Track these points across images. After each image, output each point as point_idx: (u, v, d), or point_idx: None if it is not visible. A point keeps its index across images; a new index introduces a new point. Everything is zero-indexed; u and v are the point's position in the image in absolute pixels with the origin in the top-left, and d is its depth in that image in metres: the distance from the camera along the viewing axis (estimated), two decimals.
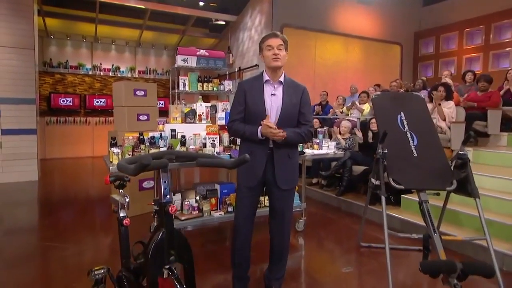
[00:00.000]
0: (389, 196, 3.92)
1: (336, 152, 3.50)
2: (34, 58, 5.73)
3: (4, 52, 5.45)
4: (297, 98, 2.04)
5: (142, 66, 9.60)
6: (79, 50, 8.93)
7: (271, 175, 2.02)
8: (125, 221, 1.51)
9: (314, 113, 6.82)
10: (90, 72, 8.96)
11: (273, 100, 2.02)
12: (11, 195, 5.01)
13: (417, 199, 2.34)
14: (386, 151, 2.43)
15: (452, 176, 2.43)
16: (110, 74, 9.24)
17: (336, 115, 6.26)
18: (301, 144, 3.40)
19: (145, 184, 4.00)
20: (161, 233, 1.25)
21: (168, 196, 1.32)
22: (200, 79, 4.26)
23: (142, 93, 4.07)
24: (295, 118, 2.06)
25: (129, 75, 9.52)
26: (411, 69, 9.23)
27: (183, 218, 2.86)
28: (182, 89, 4.11)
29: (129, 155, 2.62)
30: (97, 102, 9.09)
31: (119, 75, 9.35)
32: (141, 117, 4.05)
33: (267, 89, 2.03)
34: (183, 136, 2.87)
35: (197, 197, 3.10)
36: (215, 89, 4.34)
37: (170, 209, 1.28)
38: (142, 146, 2.71)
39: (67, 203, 4.58)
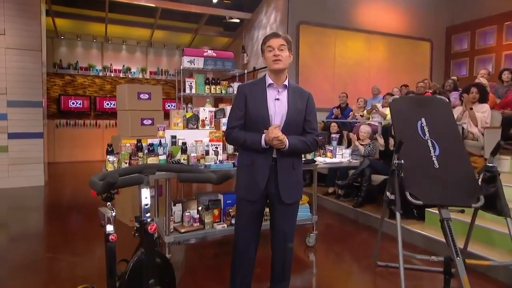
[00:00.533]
0: (411, 209, 3.76)
1: (351, 160, 3.39)
2: (41, 60, 5.93)
3: (11, 54, 5.67)
4: (302, 104, 1.99)
5: (153, 66, 9.77)
6: (90, 50, 9.20)
7: (274, 188, 1.96)
8: (111, 237, 1.49)
9: (333, 117, 6.70)
10: (101, 73, 9.20)
11: (277, 105, 1.96)
12: (17, 201, 5.18)
13: None
14: (402, 161, 2.32)
15: (479, 191, 2.29)
16: (121, 75, 9.46)
17: (356, 119, 6.11)
18: (313, 152, 3.33)
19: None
20: (140, 254, 1.22)
21: (148, 213, 1.29)
22: (207, 81, 4.26)
23: (147, 96, 4.11)
24: (300, 125, 2.00)
25: (140, 76, 9.71)
26: (442, 68, 8.92)
27: (182, 230, 2.84)
28: (189, 91, 4.12)
29: (126, 163, 2.63)
30: (107, 104, 9.31)
31: (130, 76, 9.55)
32: (145, 122, 4.09)
33: (271, 93, 1.98)
34: (184, 143, 2.85)
35: (200, 208, 3.08)
36: (223, 91, 4.32)
37: (149, 228, 1.24)
38: (140, 154, 2.72)
39: (71, 210, 4.68)
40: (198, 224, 2.93)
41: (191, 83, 4.14)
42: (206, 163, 2.86)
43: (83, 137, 8.95)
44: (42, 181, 6.05)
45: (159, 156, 2.73)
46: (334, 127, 5.86)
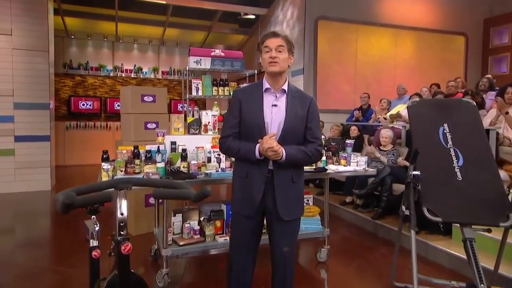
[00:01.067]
0: (438, 223, 3.59)
1: (367, 169, 3.27)
2: (48, 60, 6.10)
3: (18, 54, 5.86)
4: (303, 110, 1.91)
5: (166, 66, 9.90)
6: (100, 50, 9.42)
7: (271, 202, 1.90)
8: (94, 253, 1.48)
9: (353, 119, 6.55)
10: (111, 74, 9.41)
11: (275, 112, 1.90)
12: (22, 206, 5.34)
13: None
14: (419, 173, 2.20)
15: (509, 208, 2.13)
16: (132, 76, 9.64)
17: (379, 122, 5.94)
18: (325, 159, 3.24)
19: (152, 200, 4.03)
20: (113, 276, 1.19)
21: (124, 231, 1.26)
22: (215, 82, 4.23)
23: (151, 99, 4.14)
24: (301, 134, 1.93)
25: (152, 76, 9.86)
26: (479, 65, 8.55)
27: (181, 243, 2.81)
28: (195, 94, 4.11)
29: (121, 171, 2.63)
30: (118, 105, 9.49)
31: (141, 76, 9.72)
32: (149, 126, 4.11)
33: (268, 99, 1.91)
34: (184, 150, 2.83)
35: (202, 218, 3.05)
36: (232, 93, 4.28)
37: (123, 248, 1.21)
38: (137, 161, 2.72)
39: (78, 216, 4.76)
40: (199, 236, 2.90)
41: (197, 84, 4.12)
42: (207, 171, 2.82)
43: (94, 140, 9.15)
44: (49, 186, 6.22)
45: (157, 164, 2.72)
46: (354, 130, 5.72)
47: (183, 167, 2.82)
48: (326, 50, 7.36)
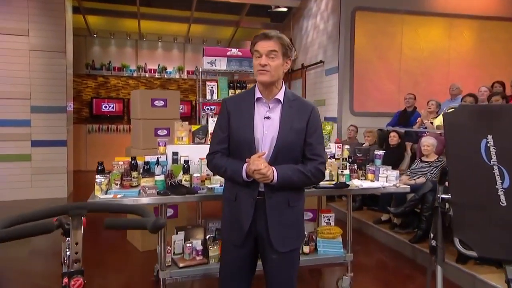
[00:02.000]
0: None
1: (399, 185, 3.05)
2: (65, 62, 6.38)
3: (35, 56, 6.18)
4: (301, 122, 1.80)
5: (191, 65, 10.04)
6: (123, 49, 9.75)
7: (263, 229, 1.79)
8: (65, 280, 1.45)
9: (396, 124, 6.24)
10: (135, 74, 9.70)
11: (267, 125, 1.79)
12: None
13: None
14: (449, 196, 1.99)
15: None
16: (156, 76, 9.88)
17: (424, 127, 5.60)
18: (348, 173, 3.07)
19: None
20: None
21: (78, 264, 1.22)
22: (231, 84, 4.19)
23: (162, 103, 4.17)
24: (298, 151, 1.82)
25: (177, 76, 10.04)
26: None
27: (181, 265, 2.77)
28: (209, 97, 4.09)
29: (117, 185, 2.64)
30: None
31: (165, 76, 9.94)
32: (159, 132, 4.15)
33: (259, 110, 1.82)
34: (186, 161, 2.80)
35: (208, 237, 3.00)
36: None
37: (72, 284, 1.17)
38: (134, 174, 2.72)
39: (93, 227, 4.91)
40: (202, 257, 2.85)
41: (212, 87, 4.10)
42: (210, 185, 2.77)
43: (116, 143, 9.45)
44: (65, 193, 6.48)
45: (156, 177, 2.70)
46: (393, 137, 5.45)
47: (185, 180, 2.78)
48: (365, 44, 7.09)
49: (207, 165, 1.93)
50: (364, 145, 5.92)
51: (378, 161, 3.26)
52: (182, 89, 10.12)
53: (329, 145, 3.16)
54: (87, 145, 9.36)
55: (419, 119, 5.91)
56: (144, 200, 2.54)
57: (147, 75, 9.80)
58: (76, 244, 1.23)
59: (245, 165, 1.75)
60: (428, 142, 4.31)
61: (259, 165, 1.69)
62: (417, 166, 4.62)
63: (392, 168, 5.24)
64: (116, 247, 4.18)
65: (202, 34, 9.78)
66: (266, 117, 1.80)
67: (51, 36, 6.24)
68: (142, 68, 9.72)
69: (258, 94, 1.83)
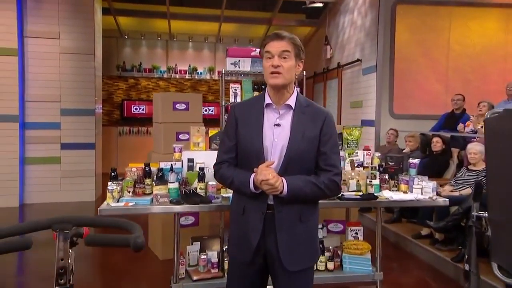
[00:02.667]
0: None
1: (435, 198, 2.87)
2: (94, 64, 6.62)
3: (65, 58, 6.46)
4: (314, 130, 1.75)
5: (222, 65, 10.12)
6: (154, 50, 10.01)
7: (273, 246, 1.74)
8: None
9: (441, 128, 5.94)
10: (165, 75, 9.92)
11: (277, 133, 1.75)
12: None
13: None
14: (486, 214, 1.84)
15: None
16: (187, 77, 10.06)
17: (474, 132, 5.29)
18: (378, 183, 2.93)
19: (183, 221, 4.08)
20: None
21: (63, 280, 1.22)
22: (256, 87, 4.16)
23: (184, 106, 4.21)
24: (311, 161, 1.76)
25: (208, 77, 10.18)
26: None
27: (195, 278, 2.77)
28: (233, 100, 4.07)
29: (129, 192, 2.67)
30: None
31: (196, 77, 10.09)
32: (181, 136, 4.19)
33: (269, 117, 1.78)
34: (202, 169, 2.78)
35: (225, 248, 2.97)
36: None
37: None
38: (147, 181, 2.73)
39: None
40: (217, 270, 2.83)
41: (235, 89, 4.09)
42: (225, 194, 2.73)
43: (146, 146, 9.66)
44: (93, 196, 6.72)
45: (169, 184, 2.71)
46: (437, 143, 5.20)
47: (200, 188, 2.77)
48: (408, 40, 6.83)
49: (214, 176, 1.91)
50: (404, 151, 5.69)
51: (413, 171, 3.09)
52: (212, 90, 10.24)
53: (357, 153, 3.03)
54: (117, 148, 9.66)
55: (468, 122, 5.59)
56: (156, 209, 2.55)
57: (177, 76, 10.00)
58: (62, 260, 1.24)
59: (252, 175, 1.70)
60: (475, 149, 4.06)
61: (267, 175, 1.64)
62: (463, 176, 4.37)
63: (435, 177, 5.03)
64: (136, 255, 4.26)
65: (233, 33, 9.85)
66: (276, 124, 1.76)
67: (80, 38, 6.51)
68: (173, 69, 9.93)
69: (268, 100, 1.79)
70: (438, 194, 4.31)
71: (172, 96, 4.34)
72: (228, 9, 8.60)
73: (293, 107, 1.77)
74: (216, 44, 10.17)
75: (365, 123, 6.94)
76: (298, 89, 4.11)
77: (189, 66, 10.03)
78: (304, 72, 4.17)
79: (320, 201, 2.65)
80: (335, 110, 8.23)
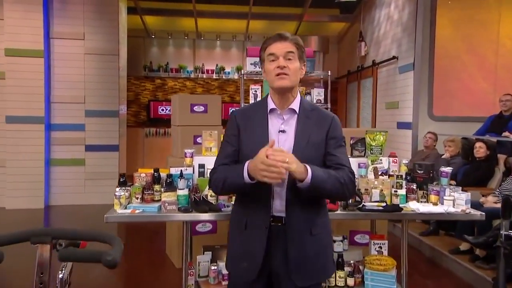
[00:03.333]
0: None
1: (469, 210, 2.71)
2: (118, 64, 6.80)
3: (89, 59, 6.68)
4: (320, 135, 1.72)
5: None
6: (181, 49, 10.15)
7: (279, 261, 1.71)
8: None
9: (487, 131, 5.64)
10: (192, 75, 10.04)
11: (282, 140, 1.73)
12: (89, 220, 5.97)
13: None
14: None
15: None
16: (214, 77, 10.14)
17: None
18: (404, 194, 2.80)
19: (200, 227, 4.09)
20: None
21: None
22: None
23: (202, 108, 4.23)
24: (318, 166, 1.70)
25: (236, 77, 10.20)
26: None
27: None
28: (253, 101, 4.05)
29: (137, 199, 2.69)
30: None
31: (223, 77, 10.15)
32: (198, 140, 4.19)
33: (273, 123, 1.76)
34: None
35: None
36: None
37: None
38: (156, 187, 2.75)
39: (134, 242, 5.16)
40: (227, 283, 2.79)
41: (255, 90, 4.07)
42: None
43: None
44: None
45: (178, 191, 2.71)
46: (480, 148, 4.95)
47: (211, 195, 2.75)
48: (450, 35, 6.57)
49: (208, 183, 1.87)
50: (443, 157, 5.45)
51: (444, 180, 2.93)
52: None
53: (380, 159, 2.90)
54: (144, 150, 9.87)
55: None
56: (163, 217, 2.56)
57: (204, 76, 10.10)
58: (41, 274, 1.24)
59: (247, 163, 1.63)
60: None
61: (285, 156, 1.55)
62: (510, 185, 4.12)
63: (478, 186, 4.78)
64: (153, 262, 4.32)
65: (262, 30, 9.83)
66: (281, 131, 1.74)
67: (104, 39, 6.71)
68: (200, 69, 10.03)
69: (271, 105, 1.77)
70: (480, 205, 4.14)
71: (190, 98, 4.38)
72: (256, 5, 8.59)
73: (297, 112, 1.75)
74: (244, 42, 10.18)
75: (402, 125, 6.72)
76: (323, 89, 4.07)
77: (217, 65, 10.10)
78: (329, 71, 4.12)
79: (337, 212, 2.62)
80: (369, 112, 8.03)
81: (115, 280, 4.06)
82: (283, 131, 1.73)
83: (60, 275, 1.61)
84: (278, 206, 1.72)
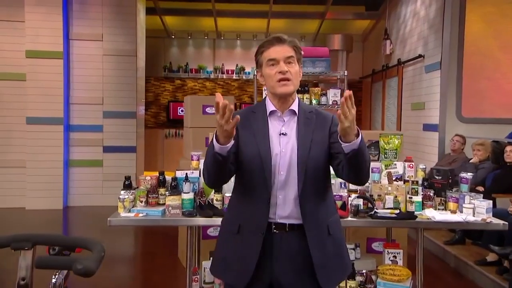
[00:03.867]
0: None
1: (490, 220, 2.59)
2: (135, 65, 6.91)
3: (108, 60, 6.83)
4: (322, 133, 1.72)
5: None
6: (201, 49, 10.22)
7: (282, 270, 1.69)
8: None
9: None
10: (212, 76, 10.09)
11: (284, 142, 1.72)
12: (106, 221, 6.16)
13: None
14: None
15: None
16: (234, 77, 10.15)
17: None
18: (420, 200, 2.72)
19: (211, 232, 4.09)
20: None
21: None
22: None
23: (214, 110, 4.22)
24: (321, 168, 1.72)
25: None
26: None
27: None
28: None
29: (141, 202, 2.71)
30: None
31: (244, 77, 10.15)
32: None
33: (274, 126, 1.75)
34: None
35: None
36: (314, 101, 4.05)
37: None
38: (162, 190, 2.76)
39: (147, 245, 5.23)
40: None
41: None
42: None
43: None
44: None
45: (183, 195, 2.71)
46: (510, 153, 4.73)
47: (216, 200, 2.75)
48: (482, 31, 6.34)
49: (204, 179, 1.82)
50: (471, 161, 5.27)
51: (465, 187, 2.82)
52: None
53: (395, 164, 2.82)
54: (164, 151, 9.98)
55: None
56: (166, 221, 2.57)
57: (224, 77, 10.12)
58: (23, 280, 1.25)
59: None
60: None
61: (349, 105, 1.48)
62: None
63: (509, 193, 4.58)
64: (165, 265, 4.36)
65: (283, 29, 9.77)
66: (282, 134, 1.73)
67: (123, 40, 6.85)
68: (219, 69, 10.06)
69: (271, 107, 1.76)
70: (509, 213, 3.96)
71: (202, 99, 4.40)
72: (277, 3, 8.55)
73: (297, 113, 1.75)
74: None
75: (428, 127, 6.54)
76: (339, 89, 4.00)
77: (237, 65, 10.11)
78: (346, 71, 4.05)
79: (347, 219, 2.56)
80: (394, 113, 7.86)
81: (123, 282, 4.12)
82: (284, 134, 1.73)
83: (54, 280, 1.63)
84: (282, 212, 1.70)
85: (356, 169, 1.61)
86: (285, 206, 1.70)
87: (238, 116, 1.49)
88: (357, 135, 1.52)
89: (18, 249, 1.23)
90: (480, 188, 4.71)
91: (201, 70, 10.00)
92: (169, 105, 10.13)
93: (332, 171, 1.77)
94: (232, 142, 1.56)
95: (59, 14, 6.61)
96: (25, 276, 1.27)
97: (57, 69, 6.63)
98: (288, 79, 1.67)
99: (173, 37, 10.03)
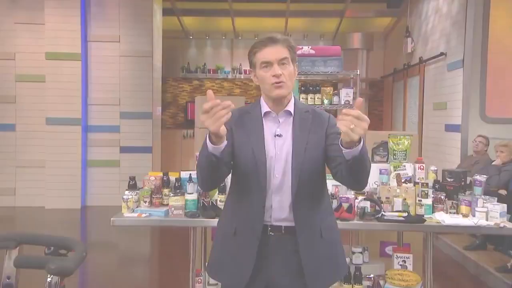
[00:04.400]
0: None
1: (503, 224, 2.50)
2: (152, 66, 7.00)
3: (124, 62, 6.95)
4: (318, 134, 1.70)
5: None
6: (219, 50, 10.28)
7: (279, 272, 1.69)
8: None
9: None
10: (229, 76, 10.14)
11: (280, 144, 1.71)
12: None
13: None
14: None
15: None
16: (251, 77, 10.16)
17: None
18: (430, 203, 2.65)
19: None
20: None
21: None
22: (303, 88, 4.08)
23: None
24: (318, 170, 1.71)
25: None
26: None
27: None
28: None
29: (145, 203, 2.74)
30: None
31: None
32: None
33: (268, 127, 1.73)
34: None
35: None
36: (325, 101, 4.02)
37: None
38: (166, 191, 2.78)
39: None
40: None
41: None
42: None
43: None
44: None
45: (187, 195, 2.72)
46: None
47: (220, 201, 2.75)
48: (505, 28, 6.12)
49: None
50: (494, 163, 5.11)
51: (478, 189, 2.74)
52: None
53: (404, 166, 2.76)
54: (182, 151, 10.07)
55: None
56: (169, 221, 2.59)
57: (242, 77, 10.14)
58: (8, 278, 1.28)
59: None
60: None
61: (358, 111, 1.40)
62: None
63: None
64: (173, 266, 4.39)
65: (302, 28, 9.74)
66: (277, 135, 1.72)
67: (139, 41, 6.97)
68: (237, 69, 10.09)
69: (265, 108, 1.74)
70: None
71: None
72: (295, 2, 8.51)
73: (293, 113, 1.72)
74: None
75: (450, 128, 6.37)
76: (352, 89, 3.95)
77: None
78: (358, 70, 3.99)
79: (352, 222, 2.52)
80: (415, 113, 7.69)
81: (131, 281, 4.17)
82: (279, 135, 1.71)
83: (49, 279, 1.67)
84: (278, 215, 1.69)
85: (356, 174, 1.58)
86: (281, 209, 1.69)
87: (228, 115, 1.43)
88: (359, 141, 1.47)
89: (2, 248, 1.26)
90: (503, 192, 4.57)
91: (219, 71, 10.06)
92: (187, 105, 10.23)
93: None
94: (225, 142, 1.55)
95: (77, 16, 6.77)
96: (10, 274, 1.29)
97: (75, 70, 6.80)
98: (282, 82, 1.64)
99: (191, 37, 10.13)
